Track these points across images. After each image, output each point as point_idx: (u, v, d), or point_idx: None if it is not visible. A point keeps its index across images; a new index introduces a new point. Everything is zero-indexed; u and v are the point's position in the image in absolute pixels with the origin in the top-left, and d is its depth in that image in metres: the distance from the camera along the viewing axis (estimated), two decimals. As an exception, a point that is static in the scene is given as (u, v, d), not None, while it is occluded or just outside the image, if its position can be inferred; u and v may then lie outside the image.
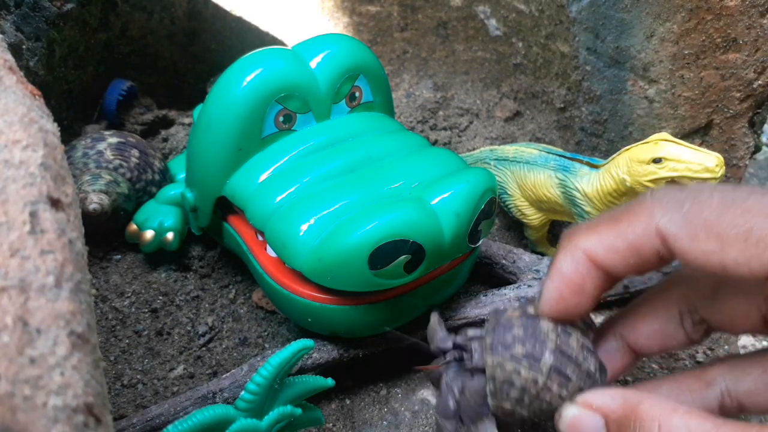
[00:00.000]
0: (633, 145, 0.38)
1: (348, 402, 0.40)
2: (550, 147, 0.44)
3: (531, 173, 0.44)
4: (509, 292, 0.42)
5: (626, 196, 0.39)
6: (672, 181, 0.37)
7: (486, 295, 0.42)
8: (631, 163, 0.37)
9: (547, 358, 0.27)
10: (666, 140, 0.37)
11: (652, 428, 0.23)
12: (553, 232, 0.51)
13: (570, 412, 0.27)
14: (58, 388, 0.19)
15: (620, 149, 0.44)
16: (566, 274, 0.28)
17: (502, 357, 0.27)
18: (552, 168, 0.43)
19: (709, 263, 0.24)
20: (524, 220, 0.46)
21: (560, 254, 0.28)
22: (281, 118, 0.39)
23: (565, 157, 0.42)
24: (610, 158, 0.39)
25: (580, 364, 0.27)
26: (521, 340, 0.27)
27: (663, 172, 0.36)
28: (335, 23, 0.65)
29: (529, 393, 0.27)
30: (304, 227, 0.34)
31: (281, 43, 0.66)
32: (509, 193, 0.46)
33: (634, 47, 0.44)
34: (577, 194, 0.40)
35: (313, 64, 0.40)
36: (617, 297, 0.43)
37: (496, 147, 0.48)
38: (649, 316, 0.30)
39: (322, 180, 0.37)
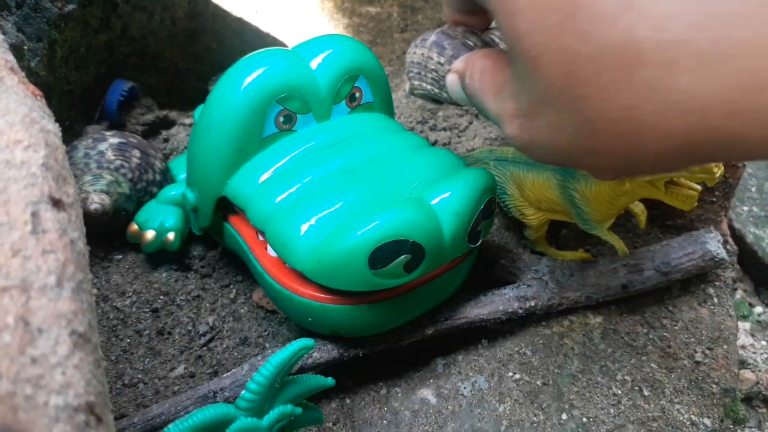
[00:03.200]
0: None
1: (348, 401, 0.40)
2: None
3: (530, 173, 0.43)
4: (509, 292, 0.42)
5: (624, 197, 0.38)
6: (670, 181, 0.37)
7: (486, 295, 0.42)
8: None
9: (432, 37, 0.37)
10: None
11: (473, 70, 0.31)
12: (553, 232, 0.51)
13: (448, 77, 0.36)
14: (60, 387, 0.19)
15: None
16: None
17: (414, 47, 0.38)
18: (551, 168, 0.43)
19: None
20: (523, 220, 0.46)
21: None
22: (282, 119, 0.39)
23: None
24: None
25: (457, 39, 0.36)
26: (430, 37, 0.37)
27: None
28: (335, 24, 0.65)
29: (420, 65, 0.37)
30: (304, 227, 0.34)
31: (281, 43, 0.66)
32: (508, 193, 0.46)
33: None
34: (577, 195, 0.40)
35: (313, 64, 0.40)
36: (617, 297, 0.44)
37: (494, 147, 0.47)
38: None
39: (323, 180, 0.37)
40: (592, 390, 0.41)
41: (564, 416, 0.39)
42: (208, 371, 0.42)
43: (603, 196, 0.39)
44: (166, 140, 0.57)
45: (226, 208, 0.42)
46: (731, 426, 0.42)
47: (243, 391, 0.32)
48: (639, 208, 0.43)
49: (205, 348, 0.43)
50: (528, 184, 0.44)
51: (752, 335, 0.50)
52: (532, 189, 0.44)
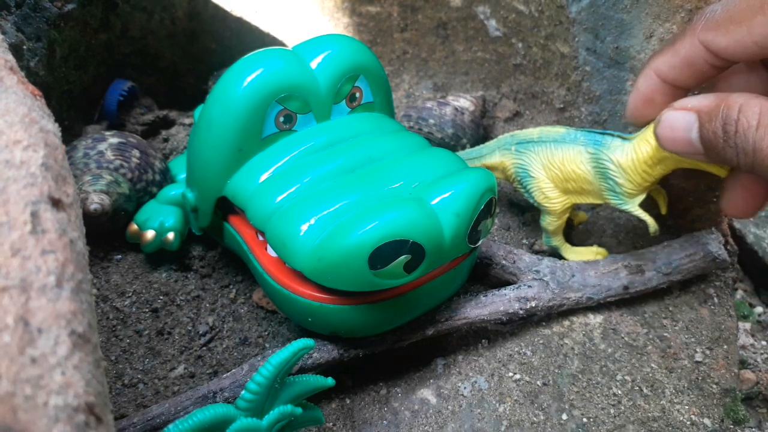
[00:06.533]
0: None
1: (348, 402, 0.40)
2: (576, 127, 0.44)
3: (559, 151, 0.43)
4: (509, 293, 0.42)
5: (661, 164, 0.38)
6: None
7: (486, 295, 0.42)
8: None
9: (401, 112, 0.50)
10: None
11: (733, 110, 0.29)
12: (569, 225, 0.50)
13: (666, 115, 0.33)
14: (59, 387, 0.19)
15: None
16: (640, 90, 0.36)
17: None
18: (582, 143, 0.42)
19: (746, 49, 0.30)
20: (546, 204, 0.45)
21: (639, 76, 0.36)
22: (282, 119, 0.39)
23: (594, 132, 0.42)
24: (644, 129, 0.39)
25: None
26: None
27: None
28: (335, 24, 0.65)
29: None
30: (304, 227, 0.34)
31: (281, 43, 0.66)
32: (533, 175, 0.44)
33: (634, 47, 0.44)
34: (611, 166, 0.40)
35: (313, 64, 0.40)
36: (617, 297, 0.44)
37: (517, 132, 0.47)
38: None
39: (323, 180, 0.37)
40: (593, 390, 0.40)
41: (564, 416, 0.39)
42: (207, 371, 0.42)
43: (639, 165, 0.39)
44: (165, 140, 0.57)
45: (225, 208, 0.42)
46: (731, 426, 0.42)
47: (243, 392, 0.32)
48: (662, 195, 0.43)
49: (204, 348, 0.43)
50: (557, 161, 0.43)
51: (752, 335, 0.50)
52: (561, 166, 0.43)
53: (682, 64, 0.33)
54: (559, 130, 0.44)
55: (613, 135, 0.41)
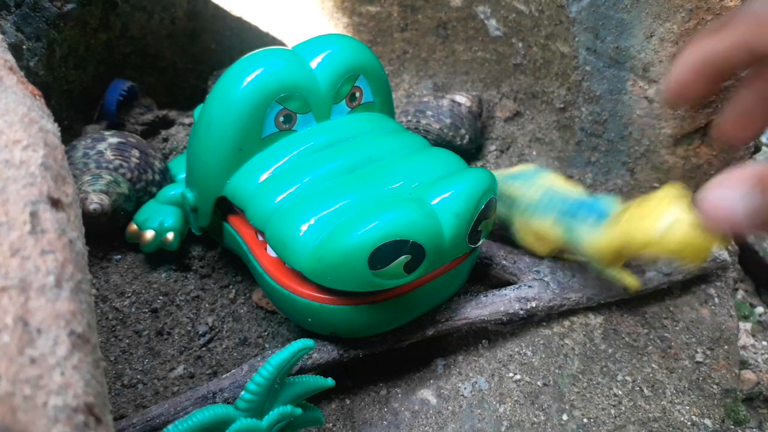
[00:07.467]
0: (643, 199, 0.37)
1: (348, 402, 0.40)
2: (555, 187, 0.43)
3: (535, 218, 0.43)
4: (510, 293, 0.42)
5: (628, 251, 0.38)
6: None
7: (486, 296, 0.42)
8: None
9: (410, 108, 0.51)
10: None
11: None
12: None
13: (721, 192, 0.27)
14: (59, 387, 0.19)
15: (618, 151, 0.43)
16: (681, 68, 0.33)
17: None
18: (557, 213, 0.42)
19: None
20: (532, 249, 0.45)
21: (677, 60, 0.34)
22: (281, 119, 0.39)
23: (569, 201, 0.41)
24: (614, 214, 0.38)
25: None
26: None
27: None
28: (335, 23, 0.65)
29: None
30: (304, 227, 0.34)
31: (281, 43, 0.66)
32: (516, 226, 0.45)
33: (634, 47, 0.44)
34: (582, 245, 0.40)
35: (313, 64, 0.40)
36: (618, 297, 0.43)
37: (499, 178, 0.45)
38: None
39: (323, 180, 0.37)
40: (593, 390, 0.40)
41: (564, 417, 0.39)
42: (207, 372, 0.42)
43: (607, 251, 0.38)
44: (165, 140, 0.57)
45: (225, 208, 0.42)
46: (732, 426, 0.42)
47: (242, 392, 0.32)
48: None
49: (204, 348, 0.43)
50: (534, 226, 0.43)
51: (753, 335, 0.50)
52: (537, 231, 0.43)
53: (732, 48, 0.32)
54: (533, 197, 0.43)
55: (591, 209, 0.40)
